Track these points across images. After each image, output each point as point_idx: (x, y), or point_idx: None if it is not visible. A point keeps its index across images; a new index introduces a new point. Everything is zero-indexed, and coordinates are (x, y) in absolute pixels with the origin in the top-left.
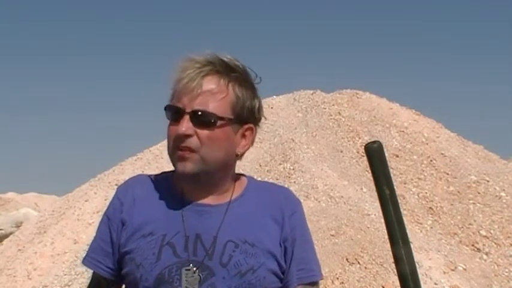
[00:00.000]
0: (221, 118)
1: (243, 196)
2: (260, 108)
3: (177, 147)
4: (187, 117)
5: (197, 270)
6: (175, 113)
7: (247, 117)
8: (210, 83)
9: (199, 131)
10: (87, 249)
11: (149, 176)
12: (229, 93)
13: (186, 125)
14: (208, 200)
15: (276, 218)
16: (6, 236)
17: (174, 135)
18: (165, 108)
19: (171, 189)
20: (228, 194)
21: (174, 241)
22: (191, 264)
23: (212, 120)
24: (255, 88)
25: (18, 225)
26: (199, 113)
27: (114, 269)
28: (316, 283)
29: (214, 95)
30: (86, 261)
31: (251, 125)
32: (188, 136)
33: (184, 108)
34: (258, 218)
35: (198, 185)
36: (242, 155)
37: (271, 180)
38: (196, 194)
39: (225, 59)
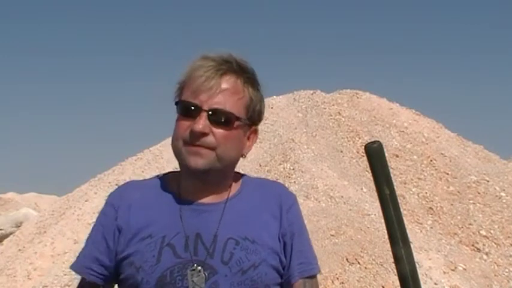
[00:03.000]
0: (238, 118)
1: (241, 193)
2: (263, 111)
3: (190, 143)
4: (204, 114)
5: (202, 269)
6: (190, 109)
7: (255, 119)
8: (228, 83)
9: (215, 129)
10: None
11: (141, 180)
12: (245, 94)
13: (203, 123)
14: (206, 199)
15: (274, 213)
16: (6, 236)
17: (186, 131)
18: (177, 103)
19: (167, 190)
20: (225, 192)
21: (173, 242)
22: (195, 264)
23: (230, 120)
24: (261, 91)
25: (18, 225)
26: (218, 111)
27: (110, 276)
28: (315, 276)
29: (232, 95)
30: (80, 268)
31: (256, 127)
32: (204, 134)
33: (201, 106)
34: (257, 214)
35: (203, 182)
36: (246, 155)
37: None
38: (196, 193)
39: (239, 59)
